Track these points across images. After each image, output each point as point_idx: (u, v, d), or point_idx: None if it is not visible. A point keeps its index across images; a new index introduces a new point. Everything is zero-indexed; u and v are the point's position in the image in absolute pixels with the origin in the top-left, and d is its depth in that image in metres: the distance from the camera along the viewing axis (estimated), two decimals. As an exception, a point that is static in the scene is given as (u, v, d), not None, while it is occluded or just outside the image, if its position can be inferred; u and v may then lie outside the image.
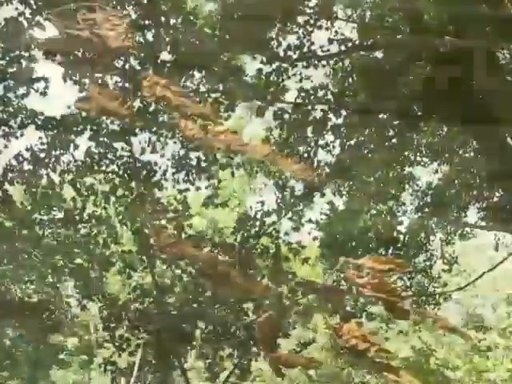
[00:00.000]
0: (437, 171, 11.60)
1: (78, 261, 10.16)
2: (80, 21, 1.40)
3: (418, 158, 11.25)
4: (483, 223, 11.49)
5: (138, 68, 7.98)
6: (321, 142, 9.58)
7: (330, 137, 9.61)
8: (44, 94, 8.33)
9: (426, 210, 11.26)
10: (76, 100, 1.43)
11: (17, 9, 7.92)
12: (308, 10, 9.43)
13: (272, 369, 1.64)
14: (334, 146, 9.63)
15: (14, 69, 8.00)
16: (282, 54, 9.19)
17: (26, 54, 7.94)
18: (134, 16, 8.04)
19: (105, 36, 1.38)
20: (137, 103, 8.46)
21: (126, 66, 7.20)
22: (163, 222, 9.01)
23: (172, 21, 8.64)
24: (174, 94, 1.40)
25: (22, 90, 8.31)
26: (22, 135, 8.63)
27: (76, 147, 9.09)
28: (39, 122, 8.54)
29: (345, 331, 1.63)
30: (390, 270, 1.79)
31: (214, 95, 9.11)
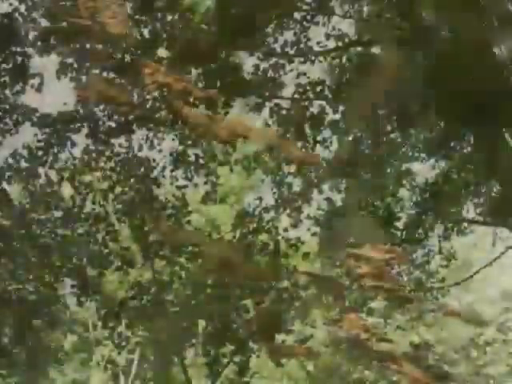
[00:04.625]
0: (434, 167, 11.62)
1: (76, 259, 10.14)
2: (81, 9, 1.39)
3: (416, 154, 11.26)
4: (481, 218, 11.50)
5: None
6: (318, 138, 9.57)
7: (327, 132, 9.61)
8: (39, 90, 8.30)
9: (424, 205, 11.26)
10: (75, 87, 1.41)
11: (11, 5, 7.88)
12: (305, 6, 9.41)
13: (270, 359, 1.63)
14: (331, 142, 9.63)
15: (10, 65, 7.97)
16: (278, 49, 9.19)
17: (21, 51, 7.90)
18: (130, 12, 8.02)
19: (105, 23, 1.37)
20: (134, 99, 8.46)
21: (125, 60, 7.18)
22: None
23: (169, 17, 8.62)
24: (175, 80, 1.40)
25: (17, 87, 8.28)
26: (17, 132, 8.61)
27: (73, 144, 9.08)
28: (35, 119, 8.51)
29: (346, 321, 1.63)
30: (390, 259, 1.80)
31: (211, 92, 9.09)
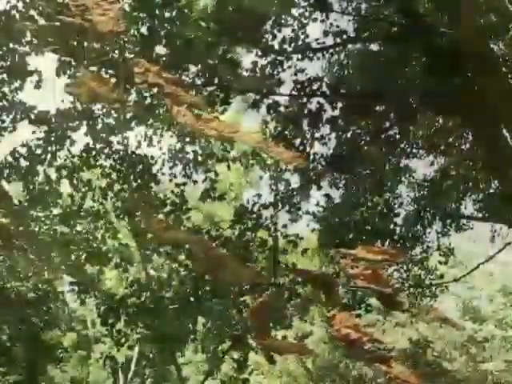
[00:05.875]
0: (433, 163, 11.63)
1: (75, 257, 10.14)
2: (72, 7, 1.38)
3: (414, 150, 11.27)
4: (479, 215, 11.52)
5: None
6: (317, 135, 9.55)
7: (326, 129, 9.59)
8: (38, 87, 8.28)
9: (423, 202, 11.27)
10: (66, 85, 1.41)
11: (9, 2, 7.86)
12: (303, 3, 9.40)
13: (264, 356, 1.64)
14: (329, 139, 9.61)
15: (8, 63, 7.95)
16: (276, 46, 9.17)
17: (19, 48, 7.89)
18: (128, 9, 8.00)
19: (96, 21, 1.37)
20: (133, 97, 8.46)
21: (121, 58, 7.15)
22: (161, 215, 9.00)
23: (167, 14, 8.59)
24: (166, 81, 1.41)
25: (16, 84, 8.26)
26: (14, 129, 8.58)
27: (72, 142, 9.05)
28: (33, 117, 8.48)
29: (337, 321, 1.63)
30: (383, 260, 1.79)
31: (209, 88, 9.08)
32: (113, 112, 8.72)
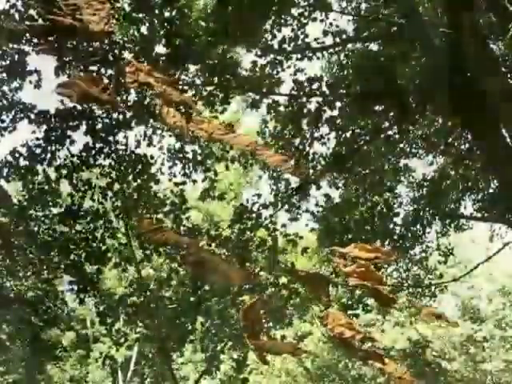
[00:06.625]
0: (432, 163, 11.63)
1: (74, 256, 10.13)
2: (62, 6, 1.39)
3: (414, 150, 11.27)
4: (479, 214, 11.52)
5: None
6: (316, 135, 9.56)
7: (325, 129, 9.59)
8: (38, 86, 8.29)
9: (422, 201, 11.27)
10: (57, 85, 1.41)
11: (8, 1, 7.86)
12: (302, 2, 9.40)
13: (256, 356, 1.65)
14: (329, 139, 9.61)
15: (8, 62, 7.95)
16: (276, 46, 9.17)
17: (19, 47, 7.89)
18: (127, 9, 8.01)
19: (87, 21, 1.38)
20: (132, 96, 8.47)
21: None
22: (160, 215, 9.00)
23: (166, 14, 8.59)
24: (156, 80, 1.41)
25: (15, 84, 8.27)
26: (14, 129, 8.58)
27: (72, 142, 9.04)
28: (32, 116, 8.48)
29: (330, 320, 1.64)
30: (375, 258, 1.80)
31: (209, 88, 9.09)
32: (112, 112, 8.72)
